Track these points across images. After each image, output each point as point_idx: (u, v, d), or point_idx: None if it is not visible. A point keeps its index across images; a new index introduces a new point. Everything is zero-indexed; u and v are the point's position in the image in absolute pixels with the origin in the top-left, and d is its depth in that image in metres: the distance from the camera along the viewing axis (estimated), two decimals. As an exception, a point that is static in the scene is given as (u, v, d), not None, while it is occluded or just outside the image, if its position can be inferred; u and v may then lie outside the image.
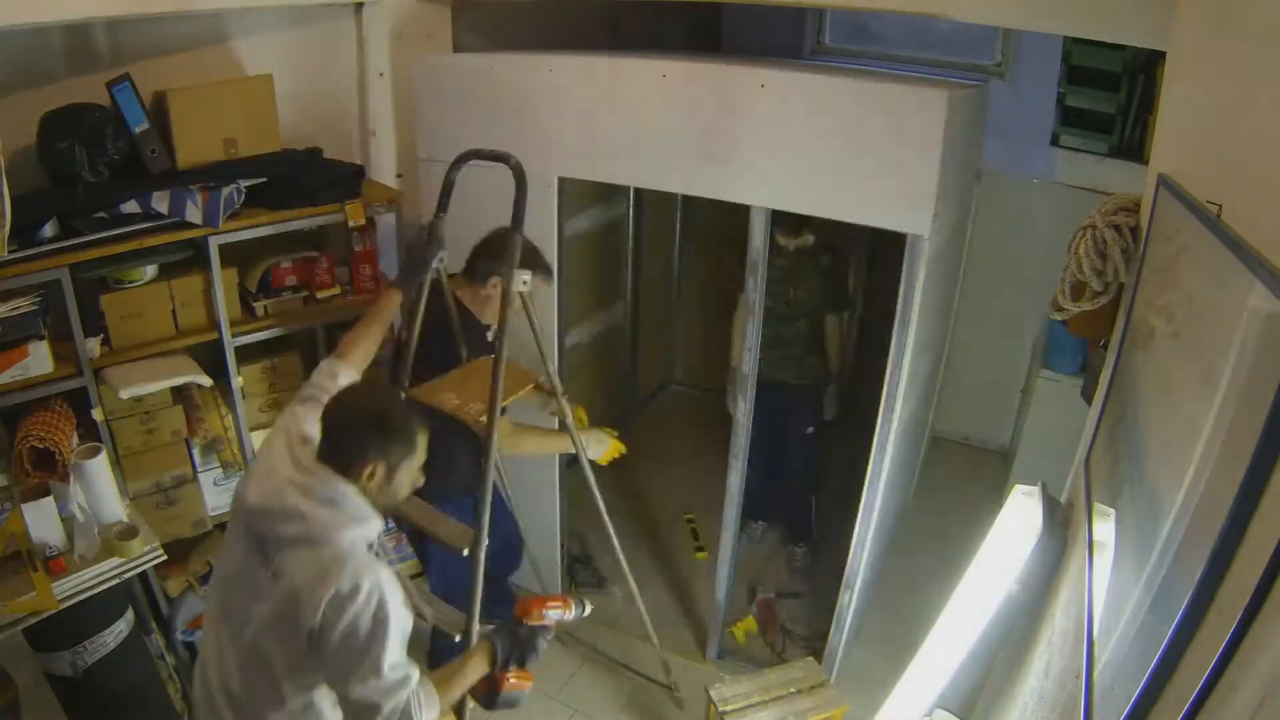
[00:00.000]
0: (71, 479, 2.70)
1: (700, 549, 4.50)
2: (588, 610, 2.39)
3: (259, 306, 3.36)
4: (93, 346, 2.97)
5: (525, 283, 2.73)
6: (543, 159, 3.29)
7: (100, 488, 2.73)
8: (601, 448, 3.27)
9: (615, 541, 3.39)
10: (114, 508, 2.78)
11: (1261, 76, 1.44)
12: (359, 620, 1.83)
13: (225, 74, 3.32)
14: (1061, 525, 2.37)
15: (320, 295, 3.50)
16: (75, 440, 2.87)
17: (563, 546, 4.01)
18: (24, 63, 2.87)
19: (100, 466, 2.72)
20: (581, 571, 4.29)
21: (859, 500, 3.24)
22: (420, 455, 2.06)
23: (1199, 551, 1.20)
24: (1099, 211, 2.23)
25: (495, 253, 2.80)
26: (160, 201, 2.95)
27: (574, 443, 3.12)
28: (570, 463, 4.08)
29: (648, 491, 4.94)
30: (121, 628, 2.80)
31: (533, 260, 2.83)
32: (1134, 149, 3.94)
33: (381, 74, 3.74)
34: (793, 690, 3.21)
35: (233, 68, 3.37)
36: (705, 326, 5.62)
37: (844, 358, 4.25)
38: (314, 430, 2.05)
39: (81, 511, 2.67)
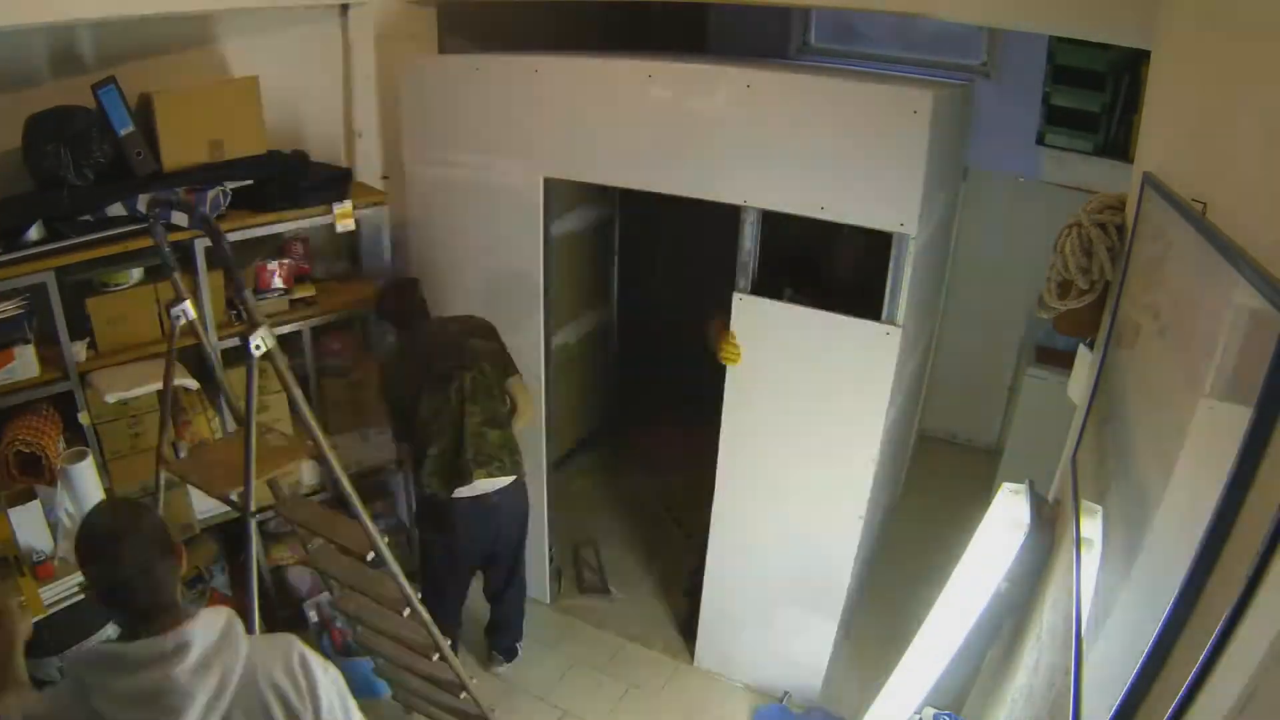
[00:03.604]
0: (58, 483, 2.68)
1: (689, 535, 4.45)
2: None
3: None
4: (79, 350, 2.95)
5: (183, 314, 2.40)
6: (529, 160, 3.29)
7: (86, 492, 2.72)
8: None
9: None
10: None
11: (1245, 75, 1.45)
12: None
13: (211, 76, 3.31)
14: (1049, 522, 2.39)
15: (306, 297, 3.49)
16: (62, 444, 2.86)
17: (551, 547, 4.01)
18: (9, 65, 2.86)
19: (86, 470, 2.71)
20: (588, 577, 4.30)
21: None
22: None
23: (1186, 547, 1.21)
24: (1085, 210, 2.24)
25: None
26: (146, 204, 2.94)
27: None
28: (558, 464, 4.10)
29: (635, 493, 4.94)
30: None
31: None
32: (1119, 148, 3.95)
33: (367, 76, 3.73)
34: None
35: (218, 70, 3.35)
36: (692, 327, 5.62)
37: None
38: None
39: (68, 516, 2.66)
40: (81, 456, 2.71)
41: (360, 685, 3.52)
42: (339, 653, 3.56)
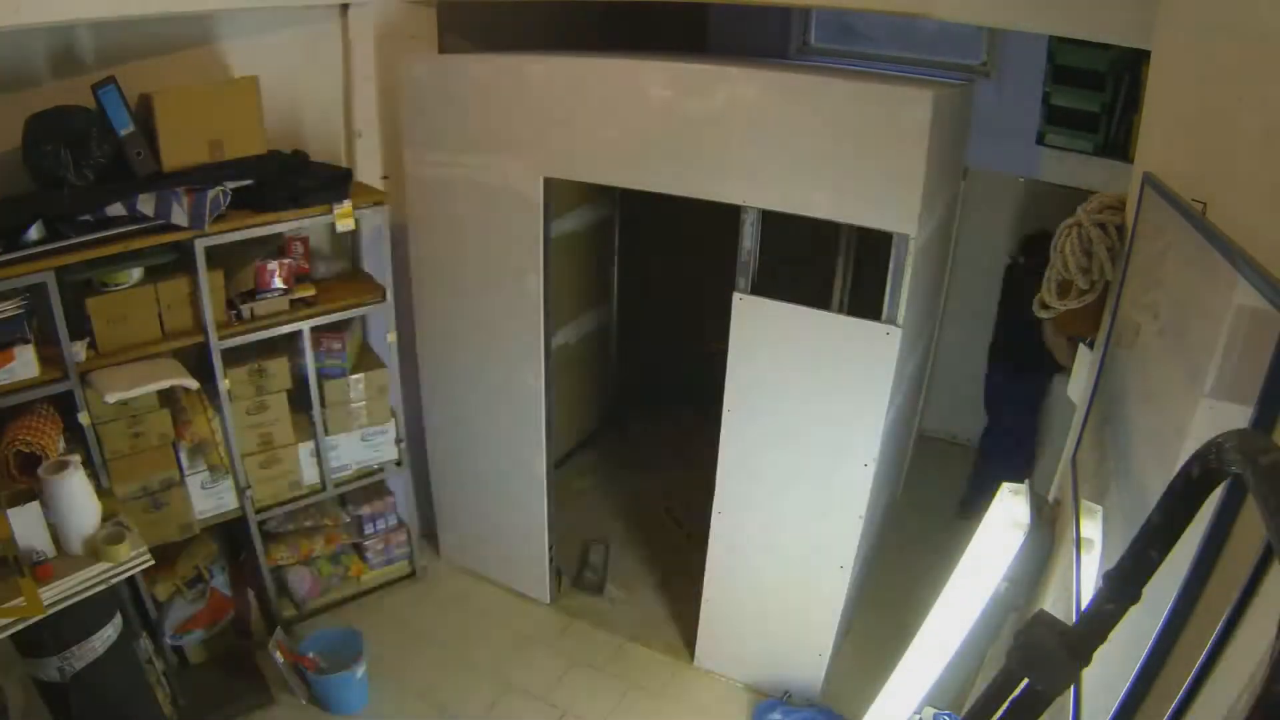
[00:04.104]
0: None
1: (689, 535, 4.43)
2: None
3: (245, 309, 3.34)
4: (79, 350, 2.95)
5: None
6: (529, 160, 3.29)
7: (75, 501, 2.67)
8: None
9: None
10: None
11: (1245, 75, 1.45)
12: None
13: (211, 76, 3.30)
14: (1049, 522, 2.39)
15: (306, 296, 3.49)
16: (62, 444, 2.86)
17: (551, 547, 4.00)
18: (9, 65, 2.85)
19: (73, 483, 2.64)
20: (587, 576, 4.29)
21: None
22: None
23: (1186, 547, 1.20)
24: (1084, 210, 2.24)
25: None
26: (146, 204, 2.94)
27: None
28: (559, 463, 4.10)
29: (636, 492, 4.94)
30: (110, 633, 2.78)
31: None
32: (1119, 148, 3.96)
33: (367, 76, 3.73)
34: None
35: (218, 70, 3.35)
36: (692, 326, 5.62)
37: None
38: None
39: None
40: (64, 466, 2.65)
41: (337, 701, 3.50)
42: (315, 673, 3.48)
